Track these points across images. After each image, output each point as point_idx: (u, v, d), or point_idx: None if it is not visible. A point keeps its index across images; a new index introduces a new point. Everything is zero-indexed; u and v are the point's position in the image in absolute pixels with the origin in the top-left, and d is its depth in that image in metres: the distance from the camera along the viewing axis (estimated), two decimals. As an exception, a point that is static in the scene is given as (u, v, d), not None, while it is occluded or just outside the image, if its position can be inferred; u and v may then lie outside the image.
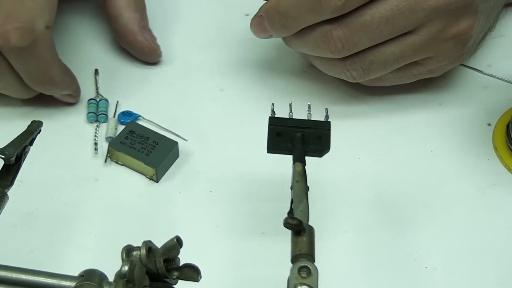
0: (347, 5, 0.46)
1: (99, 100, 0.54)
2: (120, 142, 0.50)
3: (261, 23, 0.50)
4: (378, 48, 0.49)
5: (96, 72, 0.56)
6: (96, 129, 0.52)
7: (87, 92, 0.54)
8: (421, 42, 0.49)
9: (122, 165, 0.50)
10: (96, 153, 0.51)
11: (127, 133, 0.50)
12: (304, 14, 0.48)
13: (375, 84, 0.53)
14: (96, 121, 0.53)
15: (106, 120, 0.53)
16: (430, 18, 0.48)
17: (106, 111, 0.53)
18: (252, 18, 0.51)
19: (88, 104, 0.53)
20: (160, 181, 0.49)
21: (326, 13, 0.47)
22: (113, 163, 0.50)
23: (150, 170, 0.49)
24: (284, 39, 0.52)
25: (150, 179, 0.49)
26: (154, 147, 0.49)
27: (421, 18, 0.48)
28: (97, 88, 0.55)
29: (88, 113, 0.53)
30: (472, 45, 0.52)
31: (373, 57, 0.49)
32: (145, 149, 0.49)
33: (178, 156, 0.50)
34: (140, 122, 0.52)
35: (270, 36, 0.51)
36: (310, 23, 0.48)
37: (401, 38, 0.49)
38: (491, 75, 0.56)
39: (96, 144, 0.51)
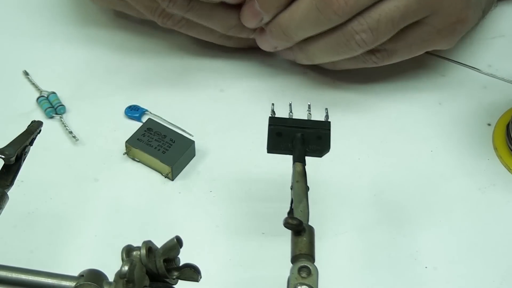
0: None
1: (47, 96, 0.54)
2: (137, 139, 0.50)
3: (253, 6, 0.50)
4: (382, 4, 0.48)
5: (26, 73, 0.56)
6: (61, 120, 0.53)
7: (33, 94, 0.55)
8: None
9: (138, 161, 0.50)
10: (77, 140, 0.51)
11: (145, 130, 0.50)
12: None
13: (388, 62, 0.52)
14: (56, 114, 0.53)
15: (65, 110, 0.53)
16: None
17: (61, 102, 0.54)
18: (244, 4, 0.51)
19: (39, 102, 0.54)
20: (160, 181, 0.49)
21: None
22: (110, 164, 0.50)
23: (166, 168, 0.49)
24: (284, 26, 0.51)
25: (165, 177, 0.49)
26: (171, 145, 0.49)
27: None
28: (36, 86, 0.55)
29: (45, 110, 0.53)
30: (476, 3, 0.51)
31: (379, 15, 0.48)
32: (162, 146, 0.49)
33: (194, 155, 0.51)
34: (147, 117, 0.53)
35: (261, 21, 0.51)
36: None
37: None
38: (491, 75, 0.56)
39: (71, 133, 0.52)
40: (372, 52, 0.51)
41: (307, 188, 0.38)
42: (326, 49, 0.51)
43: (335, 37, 0.50)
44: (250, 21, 0.51)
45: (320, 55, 0.52)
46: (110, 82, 0.56)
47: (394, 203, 0.48)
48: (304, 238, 0.34)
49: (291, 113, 0.42)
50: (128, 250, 0.33)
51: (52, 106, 0.53)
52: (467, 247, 0.46)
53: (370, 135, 0.52)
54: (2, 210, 0.37)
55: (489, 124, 0.53)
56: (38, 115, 0.53)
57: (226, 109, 0.54)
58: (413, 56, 0.53)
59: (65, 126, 0.52)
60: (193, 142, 0.50)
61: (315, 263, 0.34)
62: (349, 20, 0.48)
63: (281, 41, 0.52)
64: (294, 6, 0.49)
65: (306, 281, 0.32)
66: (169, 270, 0.34)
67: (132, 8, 0.54)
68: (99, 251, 0.45)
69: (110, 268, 0.33)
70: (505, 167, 0.50)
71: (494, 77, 0.56)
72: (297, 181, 0.38)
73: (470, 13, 0.51)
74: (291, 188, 0.38)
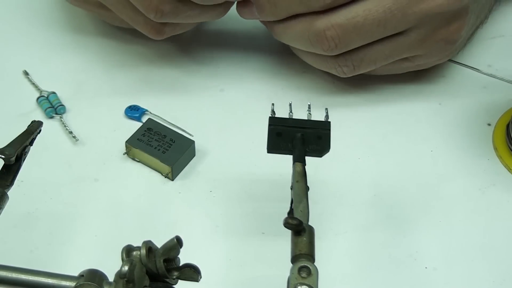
0: (336, 1, 0.47)
1: (48, 96, 0.54)
2: (137, 139, 0.50)
3: (250, 6, 0.51)
4: (369, 47, 0.50)
5: (26, 73, 0.56)
6: (61, 120, 0.53)
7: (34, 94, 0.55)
8: (411, 42, 0.50)
9: (138, 161, 0.50)
10: (77, 140, 0.51)
11: (145, 130, 0.50)
12: (294, 5, 0.49)
13: (365, 73, 0.54)
14: (56, 114, 0.53)
15: (65, 110, 0.53)
16: (421, 21, 0.48)
17: (61, 102, 0.54)
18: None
19: (39, 102, 0.54)
20: (160, 181, 0.49)
21: (316, 6, 0.48)
22: (110, 164, 0.50)
23: (166, 168, 0.49)
24: (276, 33, 0.52)
25: (165, 177, 0.49)
26: (171, 145, 0.49)
27: (412, 21, 0.48)
28: (36, 86, 0.55)
29: (45, 110, 0.53)
30: (461, 42, 0.53)
31: (364, 55, 0.50)
32: (162, 146, 0.49)
33: (194, 155, 0.51)
34: (147, 117, 0.53)
35: (257, 18, 0.52)
36: (298, 12, 0.49)
37: (392, 38, 0.50)
38: (491, 75, 0.56)
39: (71, 133, 0.52)
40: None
41: (307, 188, 0.38)
42: (310, 60, 0.53)
43: (320, 59, 0.52)
44: (245, 16, 0.52)
45: (304, 59, 0.54)
46: (110, 82, 0.56)
47: (394, 203, 0.48)
48: (304, 238, 0.34)
49: (291, 113, 0.42)
50: (128, 250, 0.33)
51: (52, 106, 0.53)
52: (467, 247, 0.46)
53: (370, 135, 0.52)
54: (2, 210, 0.37)
55: (489, 124, 0.53)
56: (38, 115, 0.53)
57: (226, 109, 0.54)
58: (389, 74, 0.54)
59: (65, 126, 0.52)
60: (193, 142, 0.50)
61: (315, 263, 0.34)
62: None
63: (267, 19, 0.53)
64: (289, 24, 0.50)
65: (306, 281, 0.32)
66: (169, 270, 0.34)
67: (123, 22, 0.54)
68: (99, 251, 0.45)
69: (110, 268, 0.33)
70: (505, 167, 0.50)
71: (494, 77, 0.56)
72: (297, 181, 0.38)
73: (453, 53, 0.54)
74: (291, 188, 0.38)
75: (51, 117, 0.53)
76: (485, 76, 0.56)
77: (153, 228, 0.46)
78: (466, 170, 0.50)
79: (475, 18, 0.52)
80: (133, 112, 0.53)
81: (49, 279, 0.33)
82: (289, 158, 0.40)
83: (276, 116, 0.42)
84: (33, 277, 0.33)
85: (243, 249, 0.46)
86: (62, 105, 0.53)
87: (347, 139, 0.51)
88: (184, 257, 0.35)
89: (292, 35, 0.51)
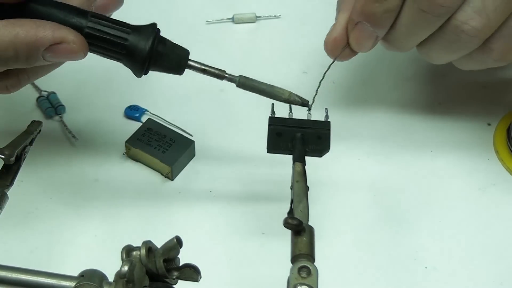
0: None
1: (48, 95, 0.54)
2: (137, 139, 0.50)
3: (364, 28, 0.47)
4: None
5: None
6: (61, 120, 0.53)
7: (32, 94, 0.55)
8: None
9: (138, 161, 0.50)
10: (77, 140, 0.51)
11: (145, 130, 0.50)
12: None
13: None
14: (56, 114, 0.53)
15: (65, 110, 0.53)
16: None
17: (61, 102, 0.54)
18: (349, 32, 0.48)
19: (39, 102, 0.54)
20: (160, 181, 0.49)
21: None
22: (110, 164, 0.50)
23: (166, 168, 0.49)
24: (424, 53, 0.49)
25: (165, 177, 0.49)
26: (171, 145, 0.49)
27: None
28: (36, 86, 0.55)
29: (45, 110, 0.53)
30: None
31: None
32: (162, 146, 0.49)
33: (194, 155, 0.51)
34: (147, 117, 0.53)
35: (376, 39, 0.47)
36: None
37: None
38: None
39: (70, 132, 0.52)
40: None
41: (307, 188, 0.38)
42: (441, 50, 0.48)
43: (445, 36, 0.46)
44: (366, 43, 0.48)
45: (438, 56, 0.49)
46: (110, 82, 0.56)
47: (394, 203, 0.48)
48: (304, 238, 0.34)
49: (291, 113, 0.42)
50: (128, 250, 0.33)
51: (52, 106, 0.53)
52: (467, 247, 0.46)
53: (370, 135, 0.52)
54: (2, 210, 0.37)
55: (489, 124, 0.53)
56: (38, 115, 0.53)
57: (226, 109, 0.54)
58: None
59: (65, 126, 0.52)
60: (193, 142, 0.50)
61: (315, 263, 0.34)
62: (453, 14, 0.45)
63: (395, 50, 0.49)
64: (398, 19, 0.46)
65: (306, 281, 0.32)
66: (169, 270, 0.34)
67: None
68: (99, 251, 0.45)
69: (110, 268, 0.33)
70: (506, 170, 0.50)
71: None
72: (297, 181, 0.38)
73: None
74: (291, 188, 0.38)
75: (51, 117, 0.53)
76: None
77: (153, 228, 0.46)
78: (466, 170, 0.50)
79: None
80: (133, 112, 0.53)
81: (49, 279, 0.33)
82: (289, 158, 0.40)
83: (276, 116, 0.42)
84: (33, 277, 0.33)
85: (243, 249, 0.46)
86: (62, 105, 0.53)
87: (347, 139, 0.51)
88: (184, 257, 0.35)
89: (407, 26, 0.46)
